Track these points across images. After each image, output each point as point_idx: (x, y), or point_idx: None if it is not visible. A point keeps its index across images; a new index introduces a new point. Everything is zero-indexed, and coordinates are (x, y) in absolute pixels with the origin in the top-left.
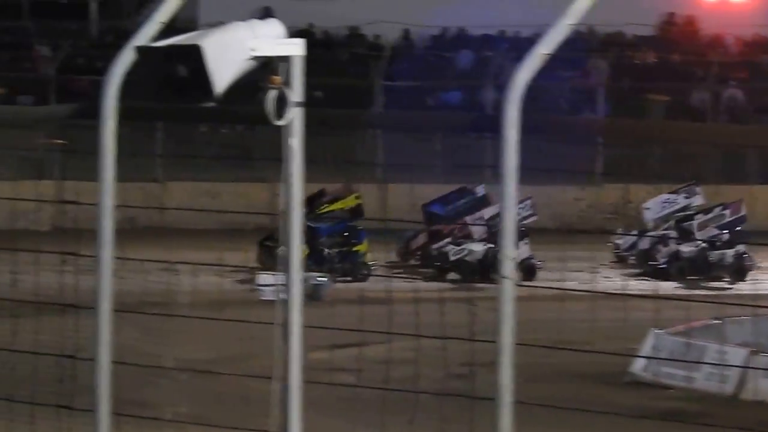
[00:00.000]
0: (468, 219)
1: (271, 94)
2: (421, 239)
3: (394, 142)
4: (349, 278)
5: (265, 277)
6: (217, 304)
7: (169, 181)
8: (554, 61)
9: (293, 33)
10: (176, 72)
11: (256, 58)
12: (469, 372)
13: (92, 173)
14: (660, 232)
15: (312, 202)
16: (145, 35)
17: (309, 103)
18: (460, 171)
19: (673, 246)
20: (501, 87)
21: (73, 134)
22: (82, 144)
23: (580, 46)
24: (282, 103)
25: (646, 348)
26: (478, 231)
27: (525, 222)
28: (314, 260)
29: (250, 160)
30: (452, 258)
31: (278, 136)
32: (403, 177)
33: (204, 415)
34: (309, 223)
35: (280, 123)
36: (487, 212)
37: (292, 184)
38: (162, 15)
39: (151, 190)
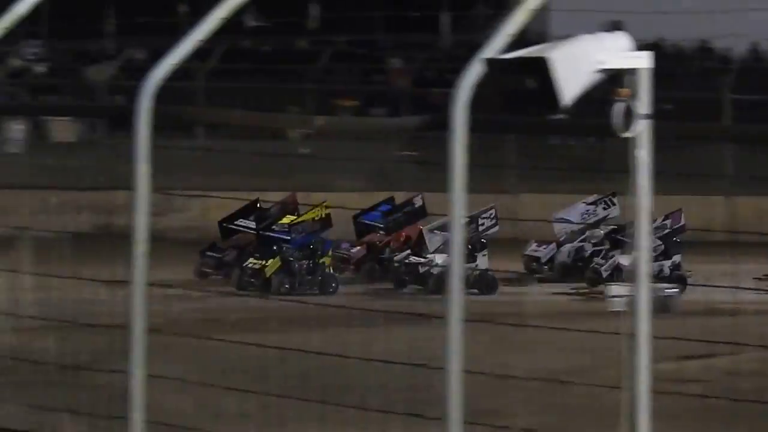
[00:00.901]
0: (417, 229)
1: (619, 107)
2: (361, 251)
3: (742, 156)
4: (317, 292)
5: (615, 288)
6: (567, 314)
7: (522, 192)
8: None
9: (643, 46)
10: (524, 84)
11: (603, 70)
12: None
13: (444, 185)
14: (577, 244)
15: (249, 212)
16: (494, 48)
17: (658, 116)
18: None
19: (617, 258)
20: None
21: (425, 146)
22: (434, 155)
23: None
24: (629, 115)
25: None
26: (433, 243)
27: (487, 233)
28: (285, 273)
29: (600, 173)
30: (421, 271)
31: (627, 148)
32: (749, 190)
33: (553, 424)
34: (280, 236)
35: (627, 135)
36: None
37: (640, 196)
38: (511, 27)
39: (503, 202)
